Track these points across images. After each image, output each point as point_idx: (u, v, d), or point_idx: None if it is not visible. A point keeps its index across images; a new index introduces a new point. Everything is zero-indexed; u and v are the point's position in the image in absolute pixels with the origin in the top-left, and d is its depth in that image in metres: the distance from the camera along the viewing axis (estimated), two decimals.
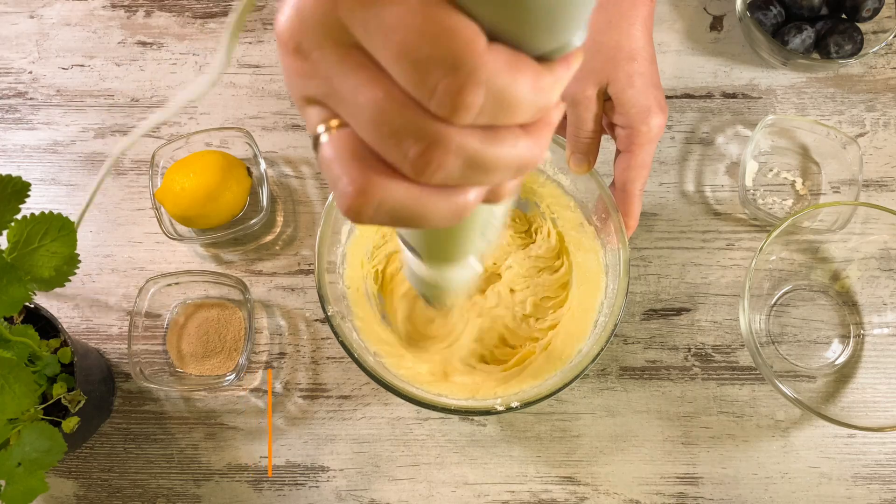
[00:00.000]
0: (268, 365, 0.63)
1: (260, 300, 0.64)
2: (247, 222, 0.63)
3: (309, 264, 0.65)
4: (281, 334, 0.63)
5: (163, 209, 0.62)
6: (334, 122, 0.23)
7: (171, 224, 0.63)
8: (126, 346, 0.61)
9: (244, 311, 0.63)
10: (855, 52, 0.63)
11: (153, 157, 0.63)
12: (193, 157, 0.62)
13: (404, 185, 0.23)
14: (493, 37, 0.20)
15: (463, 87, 0.20)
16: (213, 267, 0.65)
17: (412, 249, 0.32)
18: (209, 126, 0.67)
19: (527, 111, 0.22)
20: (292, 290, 0.64)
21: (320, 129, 0.24)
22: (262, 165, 0.63)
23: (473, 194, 0.24)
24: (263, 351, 0.63)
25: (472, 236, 0.30)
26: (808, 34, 0.63)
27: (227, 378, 0.60)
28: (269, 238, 0.65)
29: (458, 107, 0.21)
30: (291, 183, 0.66)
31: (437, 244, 0.31)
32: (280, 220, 0.66)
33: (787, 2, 0.64)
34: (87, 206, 0.56)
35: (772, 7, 0.64)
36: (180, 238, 0.63)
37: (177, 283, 0.63)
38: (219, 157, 0.62)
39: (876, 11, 0.64)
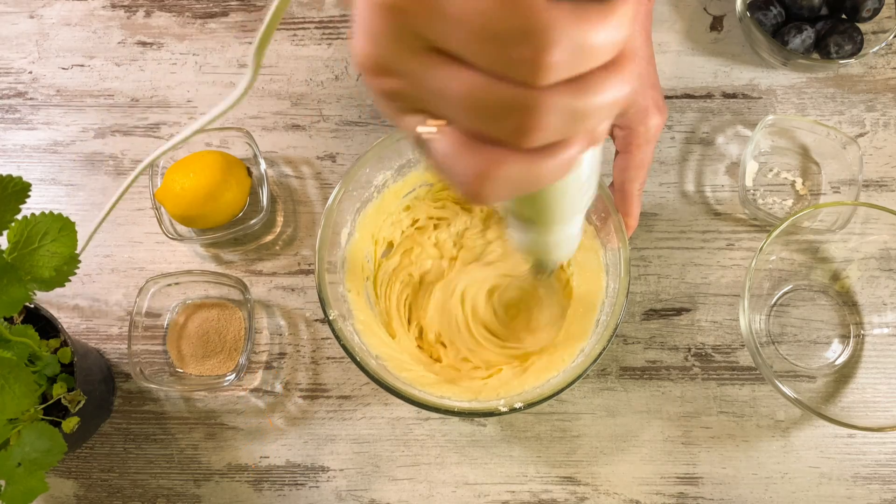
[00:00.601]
0: (268, 365, 0.63)
1: (260, 300, 0.64)
2: (247, 222, 0.63)
3: (309, 264, 0.65)
4: (281, 334, 0.63)
5: (163, 209, 0.62)
6: (434, 123, 0.25)
7: (171, 224, 0.63)
8: (126, 346, 0.61)
9: (244, 311, 0.63)
10: (855, 53, 0.63)
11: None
12: (193, 157, 0.62)
13: (515, 157, 0.25)
14: None
15: (540, 52, 0.21)
16: (213, 267, 0.65)
17: (525, 220, 0.35)
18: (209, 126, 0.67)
19: (604, 53, 0.23)
20: (292, 290, 0.64)
21: (424, 132, 0.26)
22: (262, 165, 0.63)
23: (577, 143, 0.26)
24: (263, 351, 0.63)
25: (575, 194, 0.33)
26: (808, 34, 0.63)
27: (227, 378, 0.60)
28: (269, 238, 0.65)
29: (540, 70, 0.22)
30: (291, 183, 0.66)
31: (547, 207, 0.34)
32: (280, 220, 0.66)
33: (787, 2, 0.64)
34: (106, 215, 0.56)
35: (772, 7, 0.64)
36: (180, 238, 0.63)
37: (177, 283, 0.63)
38: (219, 157, 0.62)
39: (876, 11, 0.64)
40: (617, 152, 0.51)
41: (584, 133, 0.26)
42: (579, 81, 0.23)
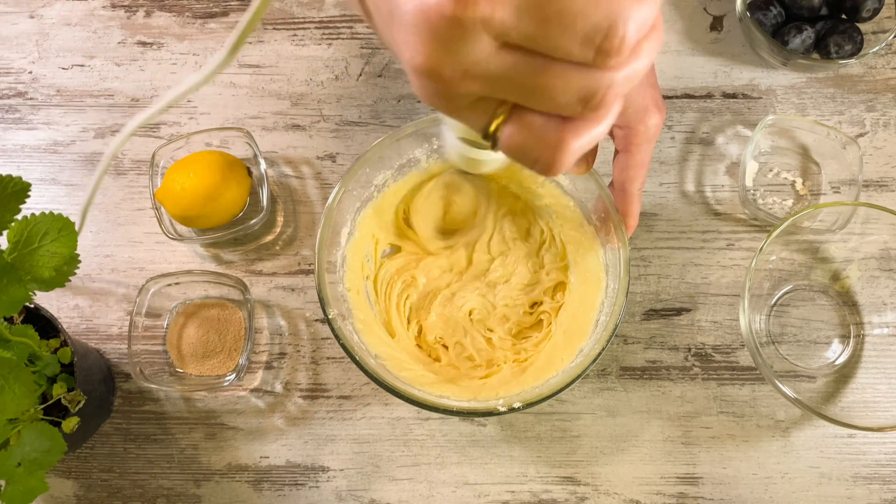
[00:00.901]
0: (268, 365, 0.63)
1: (260, 300, 0.64)
2: (247, 222, 0.63)
3: (309, 264, 0.65)
4: (281, 334, 0.63)
5: (163, 209, 0.62)
6: (500, 111, 0.28)
7: (171, 224, 0.63)
8: (126, 346, 0.61)
9: (244, 311, 0.63)
10: (855, 53, 0.63)
11: (153, 157, 0.63)
12: (193, 157, 0.62)
13: (585, 125, 0.28)
14: None
15: (620, 39, 0.25)
16: (213, 267, 0.65)
17: (460, 139, 0.37)
18: (209, 126, 0.67)
19: (651, 23, 0.26)
20: (292, 290, 0.64)
21: (494, 121, 0.28)
22: (262, 165, 0.63)
23: (621, 98, 0.29)
24: (263, 351, 0.63)
25: None
26: (808, 34, 0.63)
27: (228, 378, 0.60)
28: (269, 238, 0.65)
29: (619, 54, 0.25)
30: (291, 183, 0.66)
31: None
32: (280, 220, 0.66)
33: (787, 2, 0.64)
34: (87, 206, 0.56)
35: (772, 7, 0.64)
36: (180, 238, 0.63)
37: (177, 283, 0.63)
38: (219, 157, 0.62)
39: (876, 11, 0.64)
40: (616, 152, 0.51)
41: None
42: (635, 51, 0.26)
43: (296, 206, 0.66)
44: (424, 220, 0.59)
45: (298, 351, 0.63)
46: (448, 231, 0.59)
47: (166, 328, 0.63)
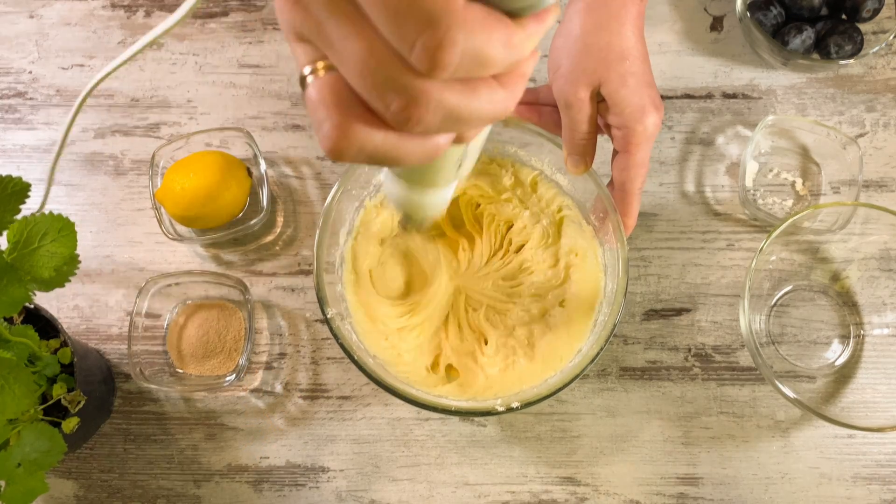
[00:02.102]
0: (268, 366, 0.63)
1: (260, 300, 0.64)
2: (247, 222, 0.63)
3: (309, 265, 0.65)
4: (281, 335, 0.63)
5: (163, 209, 0.62)
6: (322, 64, 0.25)
7: (171, 224, 0.63)
8: (126, 346, 0.61)
9: (244, 311, 0.63)
10: (855, 53, 0.63)
11: (153, 157, 0.63)
12: (193, 158, 0.62)
13: (384, 132, 0.24)
14: None
15: (440, 45, 0.21)
16: (213, 267, 0.65)
17: (399, 176, 0.36)
18: (209, 126, 0.67)
19: (500, 65, 0.23)
20: (292, 290, 0.64)
21: (307, 69, 0.25)
22: (262, 165, 0.63)
23: (445, 138, 0.26)
24: (263, 351, 0.63)
25: (450, 168, 0.34)
26: (808, 34, 0.63)
27: (228, 378, 0.60)
28: (269, 238, 0.65)
29: (436, 64, 0.22)
30: (291, 183, 0.66)
31: (420, 174, 0.34)
32: (280, 220, 0.66)
33: (787, 2, 0.64)
34: (60, 151, 0.55)
35: (772, 7, 0.64)
36: (180, 238, 0.63)
37: (177, 284, 0.63)
38: (219, 157, 0.62)
39: (876, 12, 0.64)
40: (615, 152, 0.51)
41: (458, 133, 0.26)
42: (468, 84, 0.23)
43: (296, 207, 0.66)
44: (386, 287, 0.59)
45: (298, 351, 0.63)
46: (409, 291, 0.60)
47: (166, 328, 0.63)
